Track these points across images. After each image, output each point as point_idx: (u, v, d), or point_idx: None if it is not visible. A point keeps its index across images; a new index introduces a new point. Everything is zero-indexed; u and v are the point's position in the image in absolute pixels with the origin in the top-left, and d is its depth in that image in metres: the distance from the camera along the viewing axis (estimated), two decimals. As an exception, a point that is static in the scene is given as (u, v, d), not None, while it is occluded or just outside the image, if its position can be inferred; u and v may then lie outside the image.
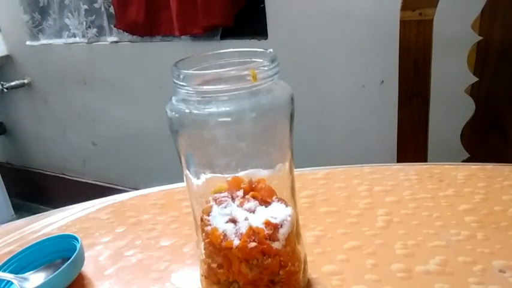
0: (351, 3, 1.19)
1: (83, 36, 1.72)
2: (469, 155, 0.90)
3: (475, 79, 0.85)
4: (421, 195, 0.53)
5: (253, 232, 0.34)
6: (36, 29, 1.84)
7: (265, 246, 0.34)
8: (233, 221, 0.35)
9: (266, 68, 0.33)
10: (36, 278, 0.45)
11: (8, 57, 2.02)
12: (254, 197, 0.37)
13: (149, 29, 1.53)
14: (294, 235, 0.37)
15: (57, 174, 2.17)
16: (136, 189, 0.66)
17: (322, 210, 0.53)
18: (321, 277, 0.42)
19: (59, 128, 2.04)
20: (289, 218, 0.36)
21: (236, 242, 0.34)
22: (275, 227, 0.35)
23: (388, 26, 1.09)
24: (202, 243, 0.37)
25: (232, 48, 0.37)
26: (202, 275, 0.39)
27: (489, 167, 0.58)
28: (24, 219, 0.60)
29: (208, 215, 0.36)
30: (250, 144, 0.37)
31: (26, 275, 0.45)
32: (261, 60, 0.34)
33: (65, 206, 0.62)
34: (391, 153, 0.94)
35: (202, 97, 0.33)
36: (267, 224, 0.35)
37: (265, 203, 0.37)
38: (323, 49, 1.28)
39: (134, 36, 1.60)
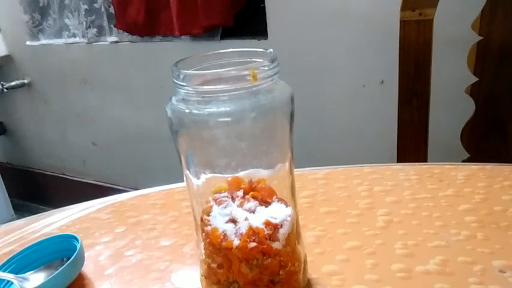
0: (351, 3, 1.19)
1: (83, 36, 1.71)
2: (469, 155, 0.90)
3: (475, 79, 0.85)
4: (421, 195, 0.53)
5: (253, 232, 0.34)
6: (36, 29, 1.84)
7: (265, 246, 0.34)
8: (233, 221, 0.35)
9: (266, 68, 0.33)
10: (36, 278, 0.45)
11: (8, 57, 2.01)
12: (254, 197, 0.37)
13: (149, 29, 1.52)
14: (294, 235, 0.37)
15: (57, 174, 2.17)
16: (137, 189, 0.66)
17: (322, 210, 0.53)
18: (321, 277, 0.42)
19: (59, 128, 2.04)
20: (289, 218, 0.36)
21: (236, 242, 0.34)
22: (275, 227, 0.35)
23: (388, 26, 1.09)
24: (202, 243, 0.37)
25: (232, 48, 0.37)
26: (202, 275, 0.39)
27: (489, 167, 0.58)
28: (24, 219, 0.60)
29: (208, 215, 0.36)
30: (250, 144, 0.37)
31: (26, 275, 0.45)
32: (261, 60, 0.34)
33: (65, 206, 0.62)
34: (391, 153, 0.94)
35: (202, 97, 0.33)
36: (267, 224, 0.35)
37: (265, 203, 0.37)
38: (323, 49, 1.28)
39: (134, 36, 1.60)
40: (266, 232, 0.35)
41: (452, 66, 1.06)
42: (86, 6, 1.65)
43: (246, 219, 0.35)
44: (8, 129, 2.24)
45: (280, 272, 0.36)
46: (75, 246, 0.45)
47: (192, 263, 0.46)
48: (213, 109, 0.33)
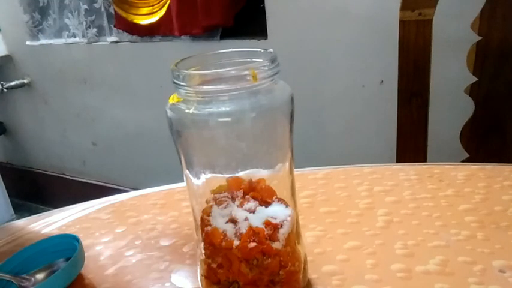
0: (351, 3, 1.19)
1: (83, 36, 1.71)
2: (468, 155, 0.90)
3: (475, 79, 0.85)
4: (421, 195, 0.53)
5: (253, 232, 0.34)
6: (36, 29, 1.84)
7: (265, 246, 0.34)
8: (233, 221, 0.35)
9: (266, 68, 0.33)
10: (36, 278, 0.45)
11: (8, 57, 2.02)
12: (254, 197, 0.37)
13: (149, 29, 1.52)
14: (294, 235, 0.37)
15: (57, 174, 2.17)
16: (137, 189, 0.66)
17: (322, 210, 0.53)
18: (321, 277, 0.42)
19: (59, 128, 2.04)
20: (289, 218, 0.36)
21: (236, 242, 0.34)
22: (275, 227, 0.35)
23: (388, 26, 1.09)
24: (202, 243, 0.37)
25: (232, 48, 0.37)
26: (202, 275, 0.39)
27: (489, 167, 0.58)
28: (24, 219, 0.60)
29: (208, 215, 0.36)
30: (250, 144, 0.37)
31: (26, 275, 0.45)
32: (261, 60, 0.34)
33: (65, 206, 0.62)
34: (391, 153, 0.94)
35: (202, 97, 0.33)
36: (267, 224, 0.35)
37: (265, 203, 0.37)
38: (323, 49, 1.28)
39: (134, 36, 1.60)
40: (266, 232, 0.35)
41: (451, 66, 1.06)
42: (85, 6, 1.65)
43: (246, 219, 0.35)
44: (8, 129, 2.24)
45: (280, 272, 0.36)
46: (75, 246, 0.45)
47: (192, 263, 0.46)
48: (213, 109, 0.33)
